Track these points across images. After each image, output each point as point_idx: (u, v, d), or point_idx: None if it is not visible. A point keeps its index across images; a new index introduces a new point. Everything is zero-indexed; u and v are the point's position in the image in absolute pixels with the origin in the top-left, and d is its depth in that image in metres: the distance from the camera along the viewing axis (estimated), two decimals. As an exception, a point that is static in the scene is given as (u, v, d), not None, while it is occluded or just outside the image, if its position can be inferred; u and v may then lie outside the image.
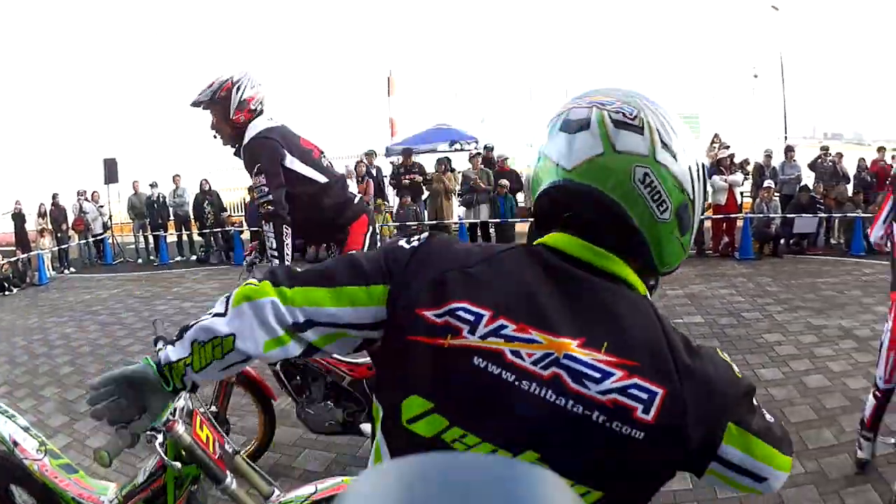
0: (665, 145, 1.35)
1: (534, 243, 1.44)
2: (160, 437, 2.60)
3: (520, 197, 15.86)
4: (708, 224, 14.88)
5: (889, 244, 4.64)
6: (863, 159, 16.66)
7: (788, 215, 14.72)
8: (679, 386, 1.23)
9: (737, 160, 16.32)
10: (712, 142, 16.51)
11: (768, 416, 1.43)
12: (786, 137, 26.22)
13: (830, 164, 16.14)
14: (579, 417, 1.21)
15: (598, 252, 1.35)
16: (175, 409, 2.71)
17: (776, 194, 15.67)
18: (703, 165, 1.47)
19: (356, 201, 4.77)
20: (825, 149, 17.13)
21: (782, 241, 14.88)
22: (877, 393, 4.67)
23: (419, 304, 1.34)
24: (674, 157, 1.36)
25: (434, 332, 1.30)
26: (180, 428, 2.65)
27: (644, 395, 1.21)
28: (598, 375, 1.22)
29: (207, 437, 2.80)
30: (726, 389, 1.31)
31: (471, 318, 1.29)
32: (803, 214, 14.57)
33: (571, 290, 1.33)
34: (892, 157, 17.29)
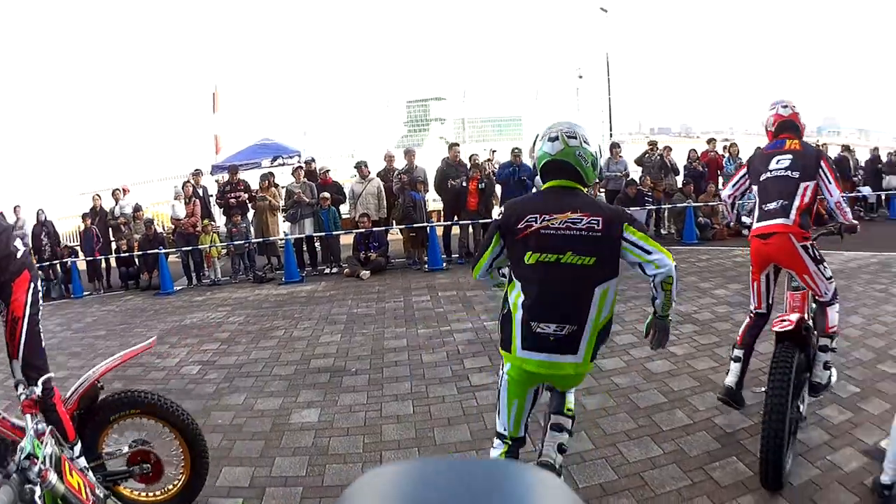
0: (586, 142, 3.73)
1: (544, 187, 3.83)
2: (38, 490, 2.59)
3: (344, 208, 15.20)
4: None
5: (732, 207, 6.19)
6: (694, 150, 17.36)
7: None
8: (606, 214, 3.54)
9: None
10: (535, 143, 16.25)
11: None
12: (611, 135, 26.91)
13: (658, 157, 16.73)
14: (581, 234, 3.50)
15: (571, 183, 3.70)
16: (45, 458, 2.75)
17: (601, 190, 16.01)
18: (599, 147, 4.00)
19: (18, 256, 4.39)
20: (652, 143, 17.86)
21: None
22: (751, 315, 5.57)
23: (515, 224, 3.60)
24: (589, 145, 3.75)
25: (524, 229, 3.57)
26: (53, 477, 2.70)
27: (596, 220, 3.50)
28: (581, 220, 3.52)
29: (79, 484, 2.93)
30: (623, 214, 3.68)
31: (534, 219, 3.55)
32: (631, 208, 14.59)
33: (565, 197, 3.63)
34: (724, 148, 18.17)
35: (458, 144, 15.29)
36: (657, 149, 17.14)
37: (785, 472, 4.59)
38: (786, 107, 5.64)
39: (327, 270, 13.74)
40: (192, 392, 6.71)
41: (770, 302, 5.47)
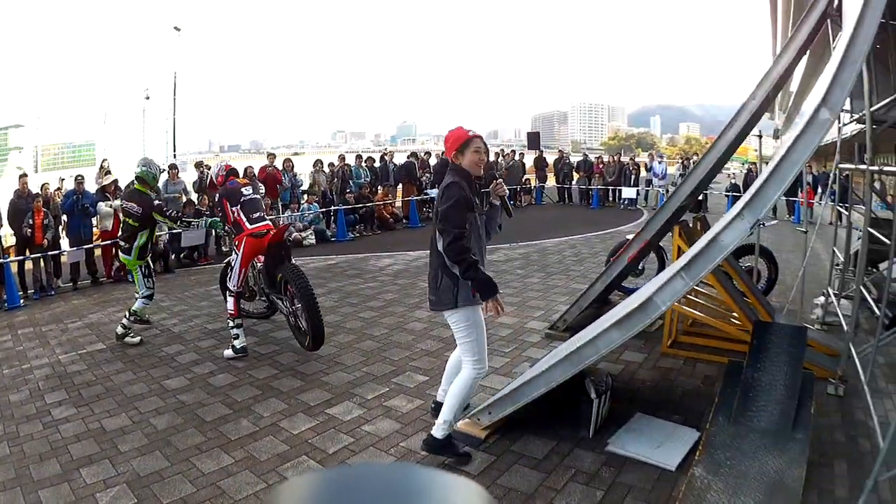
0: (146, 165, 8.92)
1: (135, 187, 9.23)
2: None
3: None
4: (99, 252, 14.71)
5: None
6: (250, 167, 17.97)
7: (175, 231, 15.03)
8: (143, 207, 8.80)
9: (123, 183, 15.98)
10: (101, 168, 16.51)
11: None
12: (175, 155, 26.84)
13: (209, 177, 16.93)
14: (132, 214, 8.83)
15: (142, 188, 9.00)
16: None
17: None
18: (159, 167, 9.82)
19: None
20: (199, 164, 18.87)
21: (172, 255, 15.50)
22: (234, 294, 8.36)
23: None
24: (149, 168, 9.07)
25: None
26: None
27: (139, 209, 8.82)
28: (134, 207, 8.79)
29: None
30: (132, 204, 8.96)
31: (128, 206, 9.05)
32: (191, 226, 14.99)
33: (138, 195, 8.92)
34: (283, 162, 19.65)
35: (26, 175, 14.80)
36: (176, 168, 17.85)
37: None
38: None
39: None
40: None
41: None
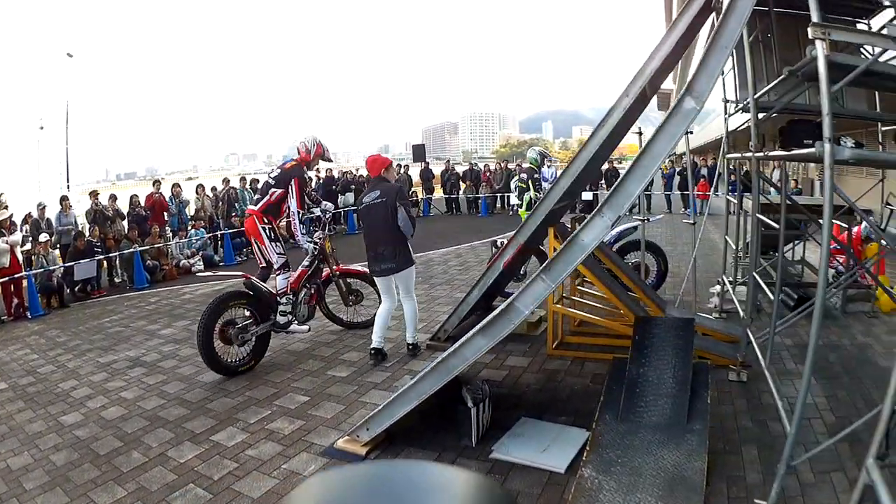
0: (536, 153, 14.34)
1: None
2: None
3: None
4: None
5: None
6: (135, 195, 17.85)
7: (68, 264, 14.85)
8: None
9: (19, 217, 15.88)
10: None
11: None
12: (68, 187, 26.20)
13: (100, 206, 16.92)
14: None
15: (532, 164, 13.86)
16: None
17: (56, 247, 15.68)
18: (538, 154, 14.36)
19: None
20: (94, 192, 17.80)
21: (67, 290, 14.82)
22: (262, 267, 8.57)
23: None
24: (535, 154, 14.13)
25: None
26: None
27: None
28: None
29: None
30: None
31: None
32: (82, 261, 14.85)
33: None
34: (171, 188, 19.27)
35: None
36: (98, 199, 17.16)
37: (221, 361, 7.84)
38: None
39: None
40: None
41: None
